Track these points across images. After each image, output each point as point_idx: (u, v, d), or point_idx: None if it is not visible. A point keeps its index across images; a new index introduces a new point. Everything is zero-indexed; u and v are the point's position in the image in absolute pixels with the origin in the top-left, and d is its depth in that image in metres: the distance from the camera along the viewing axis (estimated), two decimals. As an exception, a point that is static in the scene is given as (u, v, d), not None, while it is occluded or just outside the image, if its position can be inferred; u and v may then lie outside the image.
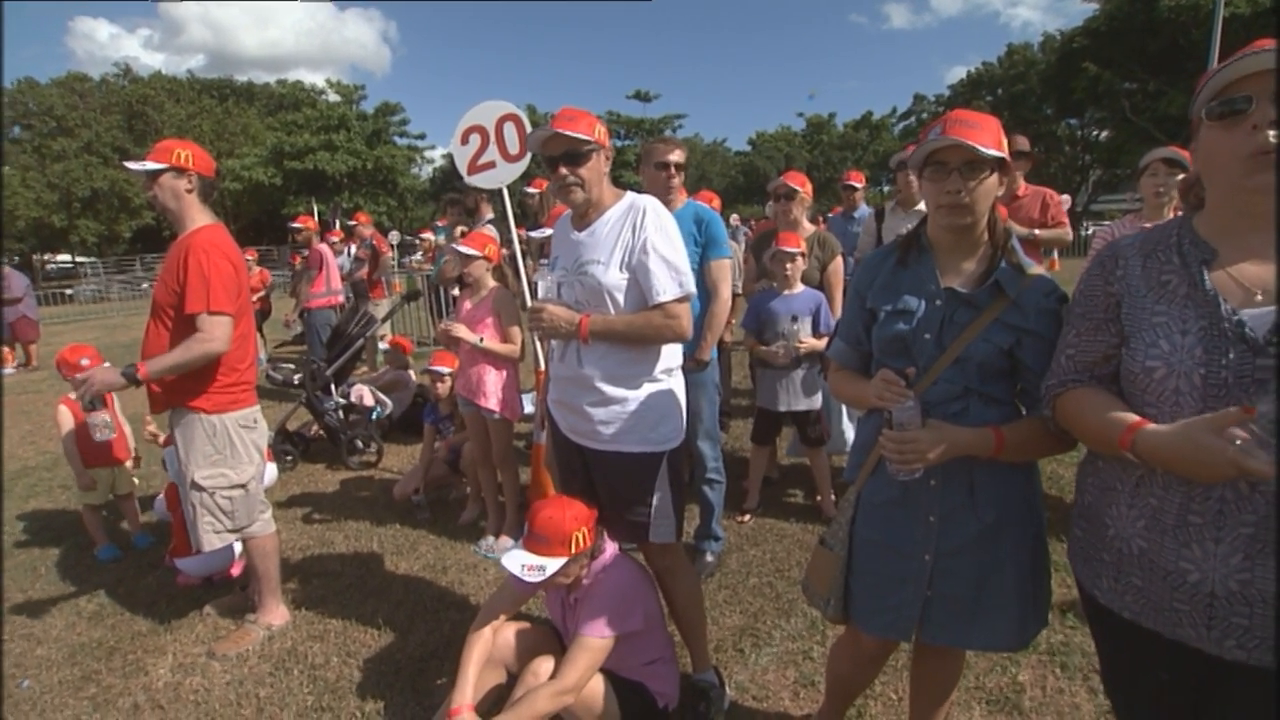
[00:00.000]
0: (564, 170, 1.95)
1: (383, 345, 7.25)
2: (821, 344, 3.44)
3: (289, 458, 4.88)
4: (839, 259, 3.79)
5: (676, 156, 2.98)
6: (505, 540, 3.50)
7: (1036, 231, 3.82)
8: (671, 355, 2.10)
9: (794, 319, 3.47)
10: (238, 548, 3.15)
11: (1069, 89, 32.20)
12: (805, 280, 3.62)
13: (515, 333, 3.47)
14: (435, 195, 39.15)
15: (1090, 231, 22.88)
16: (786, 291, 3.53)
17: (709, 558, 3.22)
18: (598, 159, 1.99)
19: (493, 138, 3.73)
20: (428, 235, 6.75)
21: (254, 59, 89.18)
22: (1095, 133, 36.42)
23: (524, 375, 3.92)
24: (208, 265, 2.47)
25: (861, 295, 1.67)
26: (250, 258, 7.74)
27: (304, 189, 34.80)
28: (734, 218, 18.51)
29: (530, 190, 5.49)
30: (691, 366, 2.80)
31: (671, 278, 1.95)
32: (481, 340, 3.36)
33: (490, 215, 5.36)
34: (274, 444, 4.64)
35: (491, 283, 3.52)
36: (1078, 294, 1.34)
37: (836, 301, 3.65)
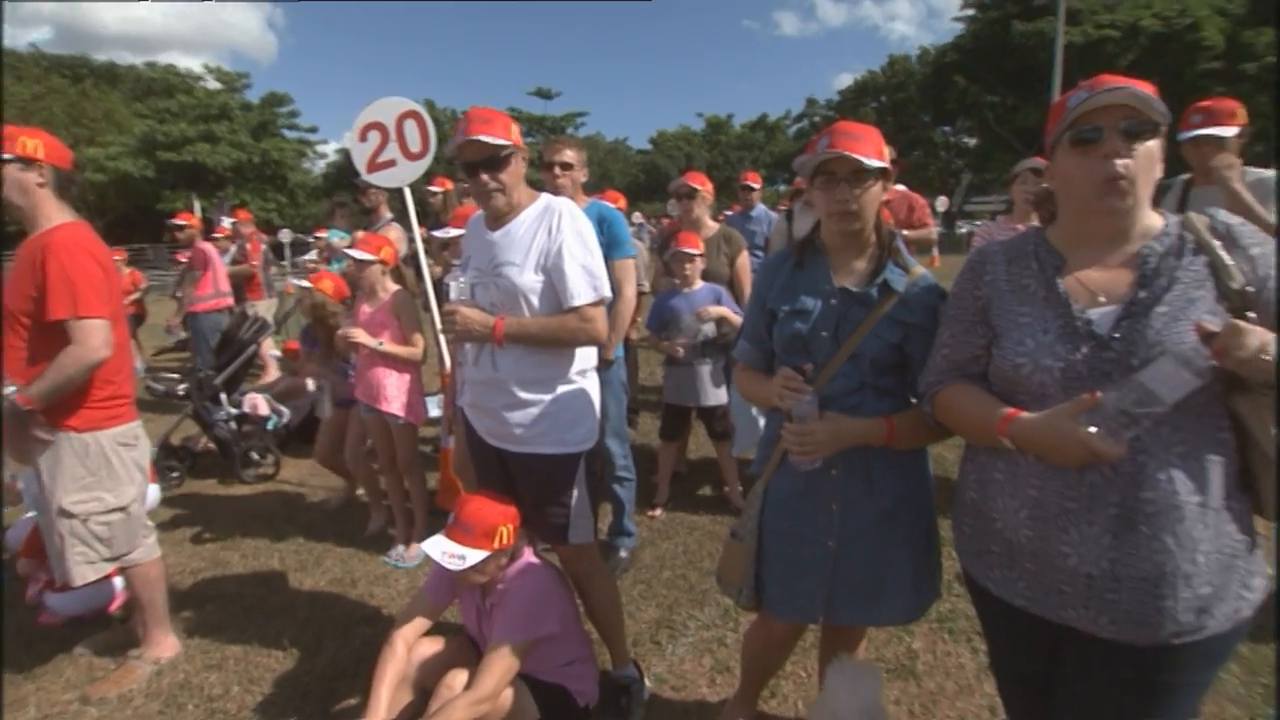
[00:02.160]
0: (485, 177, 1.93)
1: (275, 352, 6.83)
2: (731, 316, 3.58)
3: (174, 474, 4.52)
4: (745, 253, 3.95)
5: (562, 156, 2.97)
6: (416, 549, 3.41)
7: (905, 232, 4.14)
8: (586, 357, 2.12)
9: (697, 316, 3.59)
10: (118, 582, 2.89)
11: (943, 99, 34.91)
12: (714, 275, 3.74)
13: (417, 336, 3.39)
14: (330, 191, 37.19)
15: (965, 230, 24.94)
16: (687, 290, 3.65)
17: (622, 554, 3.28)
18: (517, 162, 1.99)
19: (393, 135, 3.61)
20: (323, 234, 6.40)
21: (115, 37, 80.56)
22: (966, 140, 39.58)
23: (428, 378, 3.83)
24: (71, 266, 2.22)
25: (762, 297, 1.76)
26: (119, 258, 7.04)
27: (182, 183, 32.03)
28: (637, 216, 18.66)
29: (433, 189, 5.34)
30: (597, 366, 2.83)
31: (587, 282, 1.97)
32: (381, 344, 3.26)
33: (389, 215, 5.15)
34: (157, 460, 4.27)
35: (391, 286, 3.42)
36: (950, 297, 1.47)
37: (746, 294, 3.80)
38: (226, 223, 7.86)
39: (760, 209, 5.22)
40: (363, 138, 3.63)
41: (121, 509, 2.45)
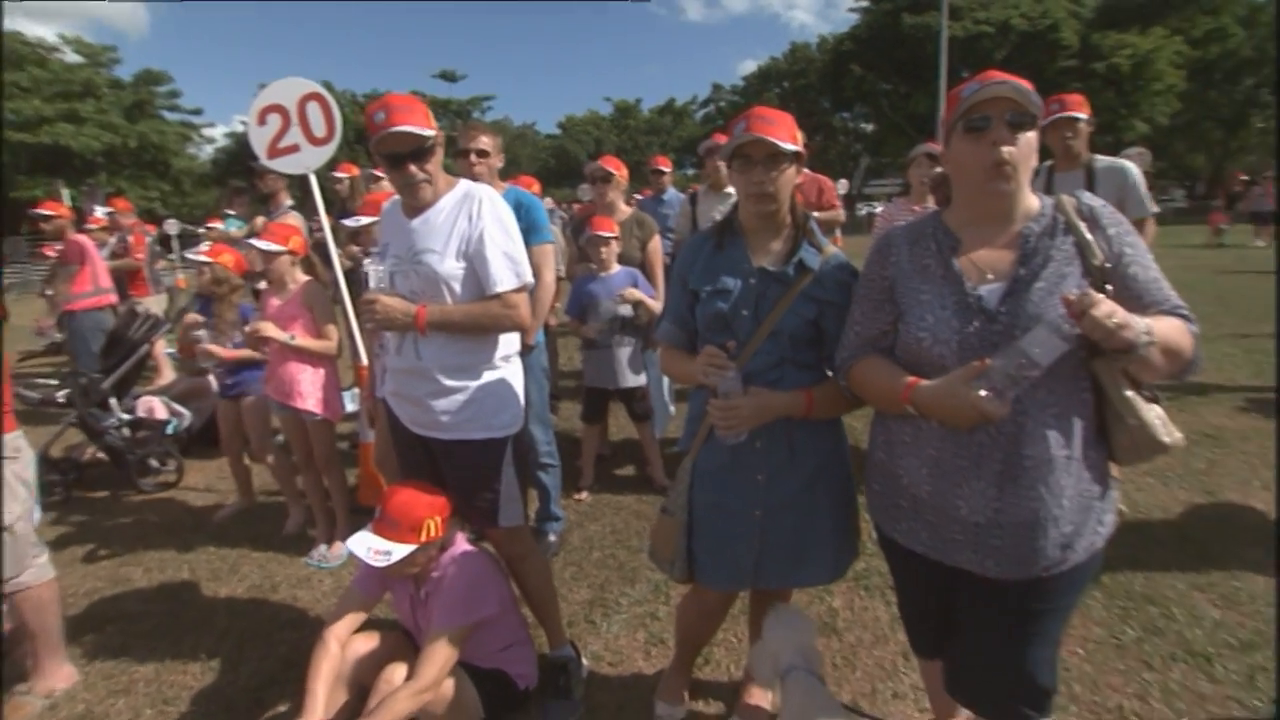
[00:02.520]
0: (413, 169, 1.90)
1: (170, 350, 6.33)
2: (650, 301, 3.65)
3: (57, 489, 4.15)
4: (657, 238, 4.01)
5: (478, 143, 2.93)
6: (339, 548, 3.31)
7: (815, 214, 4.35)
8: (509, 343, 2.14)
9: (619, 297, 3.63)
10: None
11: (841, 86, 36.33)
12: (627, 259, 3.79)
13: (330, 329, 3.26)
14: (220, 179, 34.47)
15: (865, 212, 26.21)
16: (604, 274, 3.69)
17: (551, 538, 3.32)
18: (438, 151, 1.96)
19: (295, 119, 3.43)
20: (217, 225, 5.95)
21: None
22: (863, 125, 41.42)
23: (342, 372, 3.70)
24: None
25: (684, 278, 1.82)
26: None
27: (41, 168, 28.76)
28: (548, 201, 18.53)
29: (338, 175, 5.10)
30: (520, 351, 2.83)
31: (509, 268, 1.98)
32: (293, 338, 3.13)
33: (289, 203, 4.88)
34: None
35: (301, 277, 3.27)
36: (860, 278, 1.59)
37: (658, 278, 3.88)
38: (100, 212, 7.16)
39: (672, 193, 5.30)
40: (262, 121, 3.43)
41: (5, 529, 2.25)
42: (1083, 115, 3.20)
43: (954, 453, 1.36)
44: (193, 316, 3.68)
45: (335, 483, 3.39)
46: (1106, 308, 1.16)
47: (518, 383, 2.17)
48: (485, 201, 1.98)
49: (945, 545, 1.42)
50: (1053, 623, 1.43)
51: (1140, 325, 1.19)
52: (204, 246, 3.96)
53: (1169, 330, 1.26)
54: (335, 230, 3.99)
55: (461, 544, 2.12)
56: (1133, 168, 3.26)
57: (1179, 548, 3.03)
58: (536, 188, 4.92)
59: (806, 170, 4.50)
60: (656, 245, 4.00)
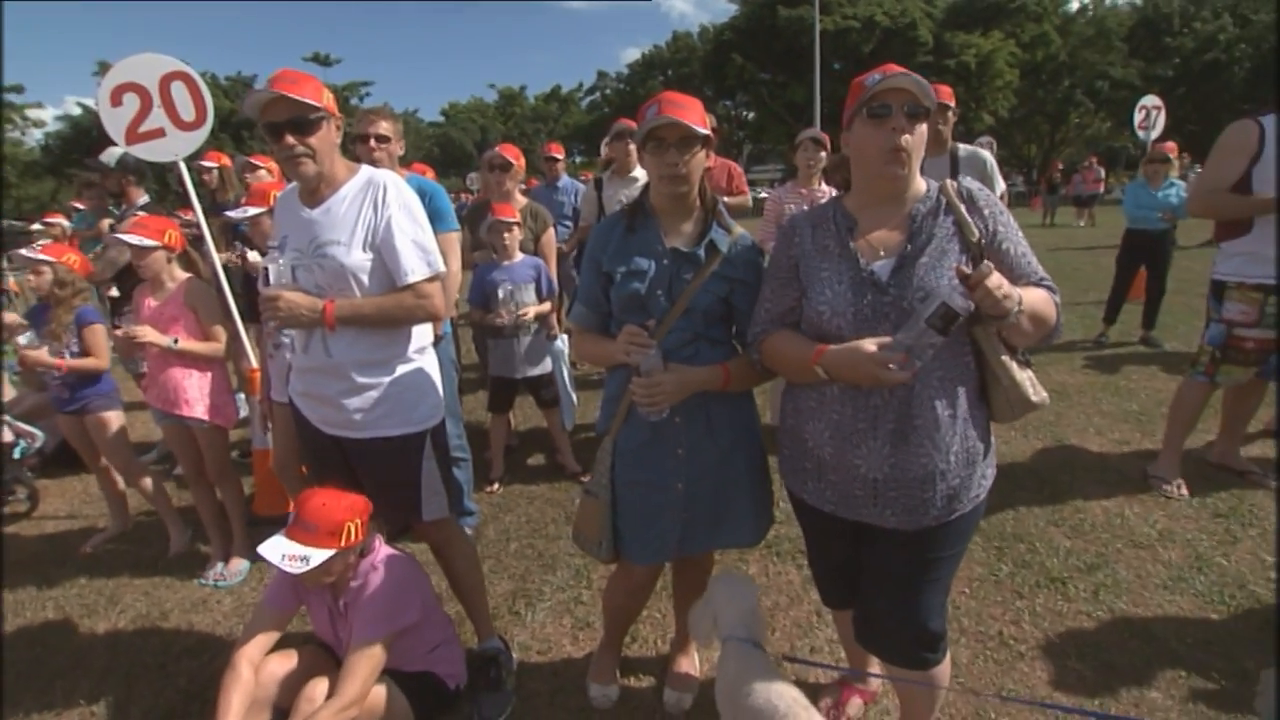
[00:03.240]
0: (291, 140, 1.78)
1: (12, 362, 5.54)
2: (545, 308, 3.67)
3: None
4: (551, 229, 4.01)
5: (377, 129, 2.82)
6: (238, 563, 3.10)
7: (725, 199, 4.51)
8: (423, 334, 2.08)
9: (514, 287, 3.61)
10: None
11: (723, 75, 37.39)
12: (522, 250, 3.76)
13: (218, 329, 3.02)
14: (52, 168, 30.34)
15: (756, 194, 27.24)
16: (506, 261, 3.64)
17: (466, 533, 3.27)
18: (328, 128, 1.86)
19: (157, 99, 3.11)
20: (57, 220, 5.26)
21: None
22: (745, 113, 42.87)
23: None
24: None
25: (597, 261, 1.84)
26: None
27: None
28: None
29: (207, 164, 4.65)
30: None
31: (420, 257, 1.92)
32: (176, 342, 2.87)
33: (144, 199, 4.37)
34: None
35: (179, 274, 2.99)
36: (769, 260, 1.69)
37: (553, 269, 3.88)
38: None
39: (567, 180, 5.30)
40: (116, 101, 3.08)
41: None
42: (951, 104, 3.51)
43: (853, 415, 1.47)
44: (12, 317, 3.27)
45: (231, 494, 3.16)
46: (997, 279, 1.30)
47: (434, 374, 2.12)
48: (391, 188, 1.90)
49: (848, 501, 1.54)
50: (945, 569, 1.59)
51: (1014, 295, 1.34)
52: (41, 244, 3.52)
53: (1036, 300, 1.41)
54: (210, 224, 3.66)
55: (381, 549, 2.05)
56: (988, 154, 3.63)
57: (1038, 489, 3.44)
58: (430, 175, 4.77)
59: (717, 156, 4.67)
60: (550, 237, 4.00)
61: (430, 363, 2.11)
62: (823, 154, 3.91)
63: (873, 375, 1.35)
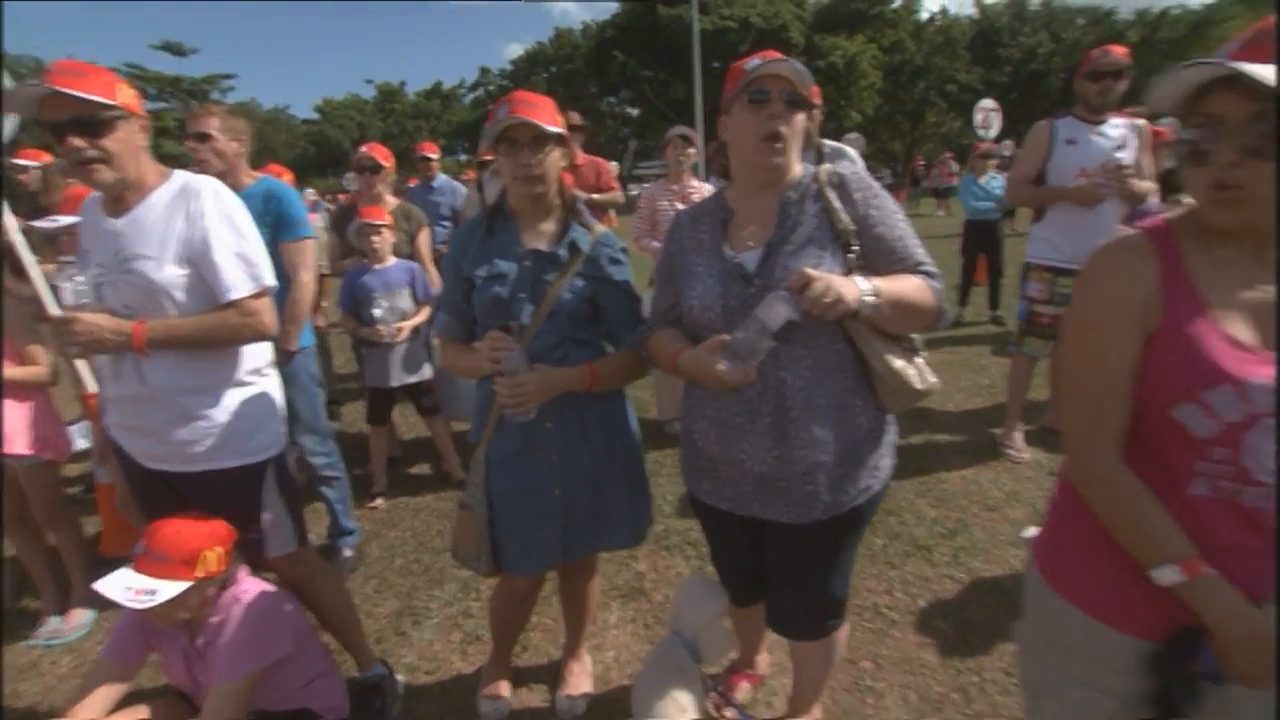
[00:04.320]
0: (78, 142, 1.56)
1: None
2: (422, 316, 3.52)
3: None
4: (425, 230, 3.86)
5: (201, 126, 2.60)
6: (79, 615, 2.74)
7: (594, 196, 4.50)
8: (258, 354, 1.90)
9: (388, 294, 3.44)
10: None
11: (607, 72, 37.69)
12: (396, 253, 3.60)
13: (35, 351, 2.65)
14: None
15: (636, 193, 27.59)
16: (378, 265, 3.47)
17: (347, 553, 3.09)
18: (128, 129, 1.64)
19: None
20: None
21: None
22: (630, 110, 43.39)
23: (66, 403, 3.05)
24: None
25: (458, 266, 1.77)
26: None
27: None
28: (311, 193, 17.01)
29: (23, 163, 4.06)
30: (279, 359, 2.56)
31: (243, 271, 1.74)
32: None
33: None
34: None
35: None
36: (658, 256, 1.68)
37: (430, 271, 3.74)
38: None
39: (442, 179, 5.10)
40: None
41: None
42: (818, 103, 3.68)
43: (732, 411, 1.45)
44: None
45: (66, 537, 2.78)
46: (820, 287, 1.23)
47: (275, 396, 1.94)
48: (208, 196, 1.71)
49: (741, 498, 1.52)
50: (844, 555, 1.60)
51: (862, 289, 1.28)
52: None
53: (904, 288, 1.35)
54: (28, 233, 3.20)
55: (245, 580, 1.86)
56: (852, 150, 3.83)
57: (906, 462, 3.67)
58: (288, 177, 4.43)
59: (585, 154, 4.63)
60: (425, 238, 3.85)
61: (270, 385, 1.93)
62: (691, 150, 3.99)
63: (714, 376, 1.34)
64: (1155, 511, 1.02)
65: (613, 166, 4.91)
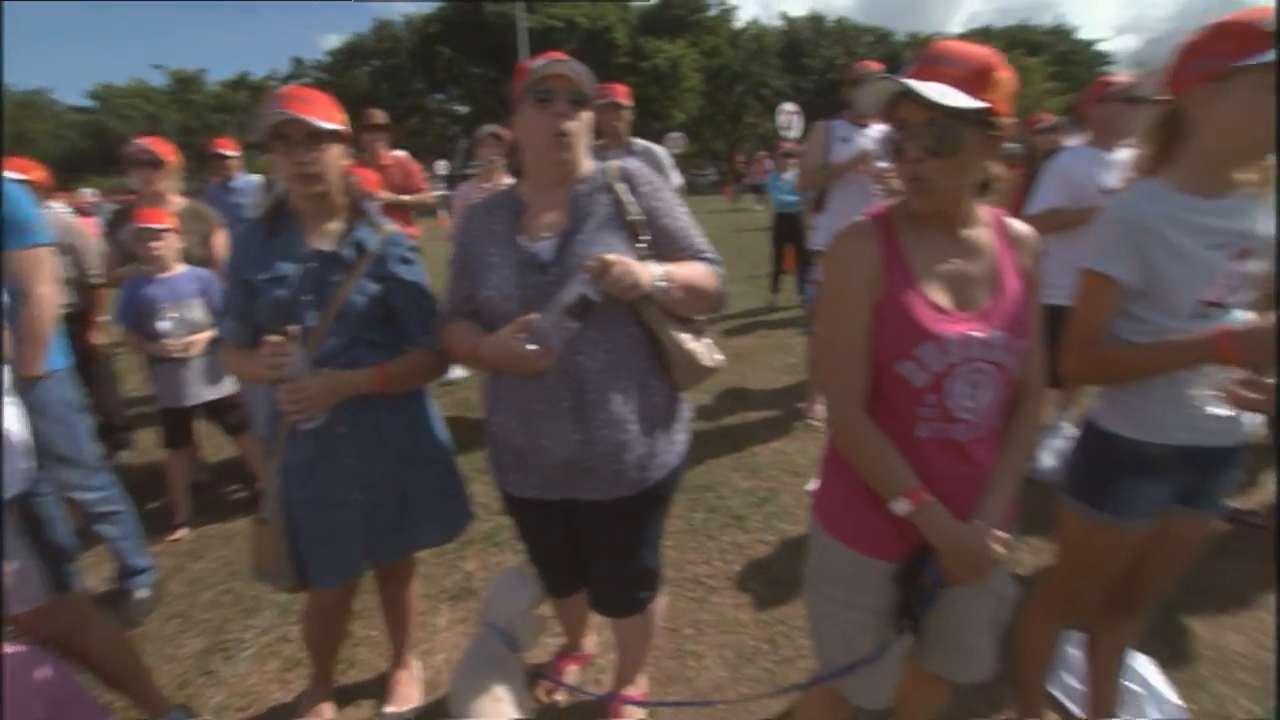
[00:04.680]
0: None
1: None
2: (212, 334, 3.22)
3: None
4: (221, 232, 3.55)
5: None
6: None
7: (405, 197, 4.39)
8: None
9: (175, 305, 3.14)
10: None
11: (432, 67, 36.32)
12: (188, 259, 3.28)
13: None
14: None
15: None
16: (162, 274, 3.14)
17: (140, 595, 2.75)
18: None
19: None
20: None
21: None
22: (458, 107, 42.18)
23: None
24: None
25: (238, 269, 1.69)
26: None
27: None
28: (88, 193, 14.81)
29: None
30: (20, 386, 2.18)
31: None
32: None
33: None
34: None
35: None
36: (453, 250, 1.68)
37: None
38: None
39: (244, 179, 4.69)
40: None
41: None
42: (626, 103, 3.84)
43: (533, 399, 1.49)
44: None
45: None
46: (619, 270, 1.33)
47: (15, 431, 1.71)
48: None
49: (549, 484, 1.57)
50: (652, 528, 1.70)
51: (655, 273, 1.40)
52: None
53: (690, 273, 1.49)
54: None
55: None
56: (661, 150, 4.04)
57: (722, 441, 4.00)
58: (38, 174, 3.83)
59: (398, 152, 4.49)
60: (221, 240, 3.51)
61: (7, 418, 1.70)
62: (513, 139, 4.02)
63: (519, 359, 1.40)
64: (889, 454, 1.22)
65: (441, 165, 4.82)
